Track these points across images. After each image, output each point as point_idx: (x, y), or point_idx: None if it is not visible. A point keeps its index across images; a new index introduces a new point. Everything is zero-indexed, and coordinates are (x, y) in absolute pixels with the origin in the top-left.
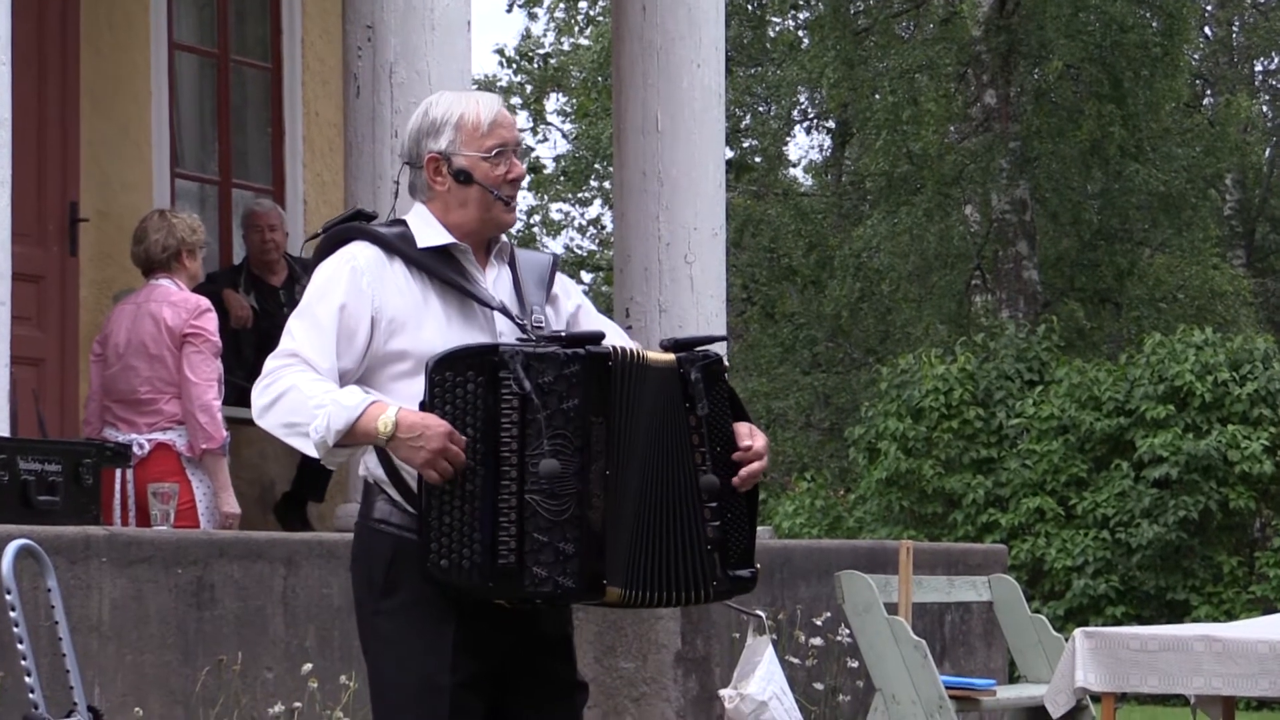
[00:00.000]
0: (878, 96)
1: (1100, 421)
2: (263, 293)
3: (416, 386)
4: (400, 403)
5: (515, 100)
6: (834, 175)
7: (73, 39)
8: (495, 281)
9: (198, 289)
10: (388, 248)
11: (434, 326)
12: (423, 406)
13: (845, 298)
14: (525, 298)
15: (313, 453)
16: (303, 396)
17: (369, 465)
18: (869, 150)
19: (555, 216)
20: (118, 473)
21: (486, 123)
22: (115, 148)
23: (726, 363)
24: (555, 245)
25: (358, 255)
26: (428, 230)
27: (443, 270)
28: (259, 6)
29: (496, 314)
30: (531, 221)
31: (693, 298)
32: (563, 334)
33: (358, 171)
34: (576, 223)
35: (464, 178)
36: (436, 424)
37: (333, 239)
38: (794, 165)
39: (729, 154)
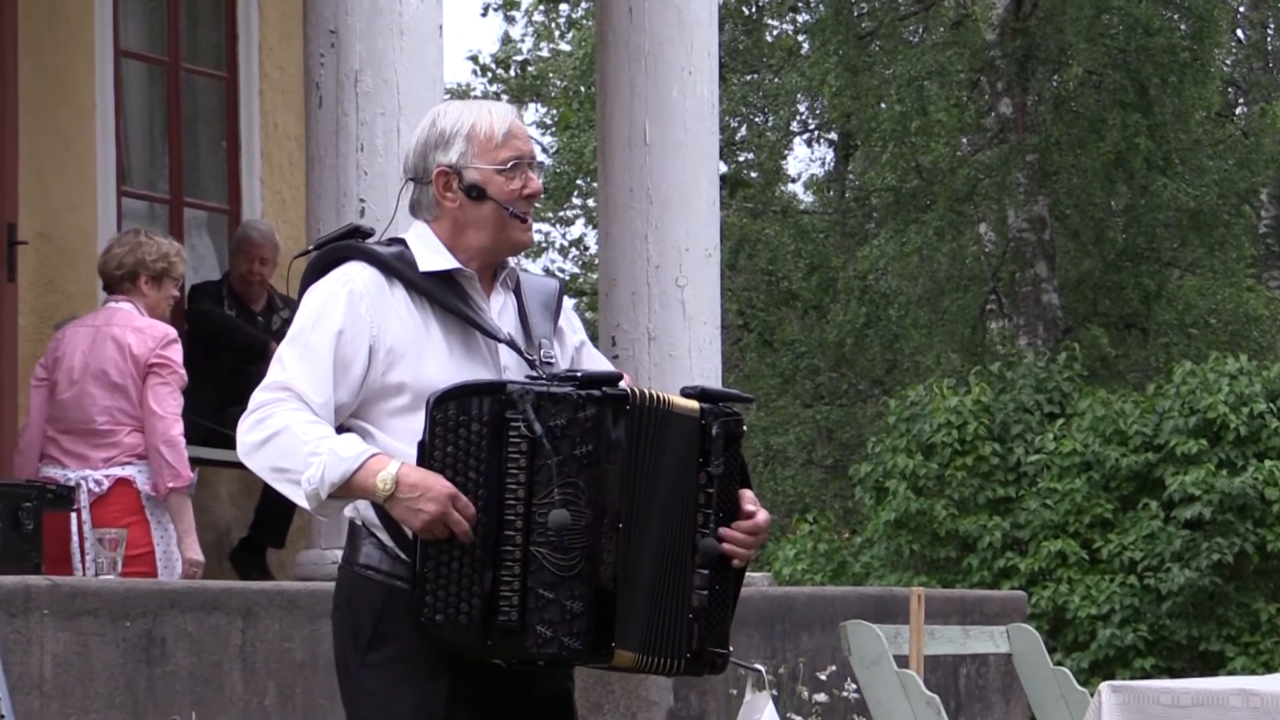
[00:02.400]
0: (884, 106)
1: (1126, 457)
2: (243, 314)
3: (415, 423)
4: (398, 442)
5: None
6: (837, 191)
7: (10, 46)
8: (501, 310)
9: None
10: (387, 270)
11: (435, 359)
12: (422, 446)
13: (850, 324)
14: (532, 329)
15: (303, 503)
16: (296, 440)
17: (358, 505)
18: (875, 164)
19: (534, 237)
20: (73, 515)
21: (500, 133)
22: (57, 164)
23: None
24: (534, 269)
25: (355, 277)
26: (430, 253)
27: (446, 297)
28: (212, 10)
29: (502, 347)
30: None
31: (684, 324)
32: (578, 373)
33: (320, 188)
34: (558, 244)
35: (477, 193)
36: (440, 486)
37: (326, 258)
38: (793, 180)
39: (723, 169)
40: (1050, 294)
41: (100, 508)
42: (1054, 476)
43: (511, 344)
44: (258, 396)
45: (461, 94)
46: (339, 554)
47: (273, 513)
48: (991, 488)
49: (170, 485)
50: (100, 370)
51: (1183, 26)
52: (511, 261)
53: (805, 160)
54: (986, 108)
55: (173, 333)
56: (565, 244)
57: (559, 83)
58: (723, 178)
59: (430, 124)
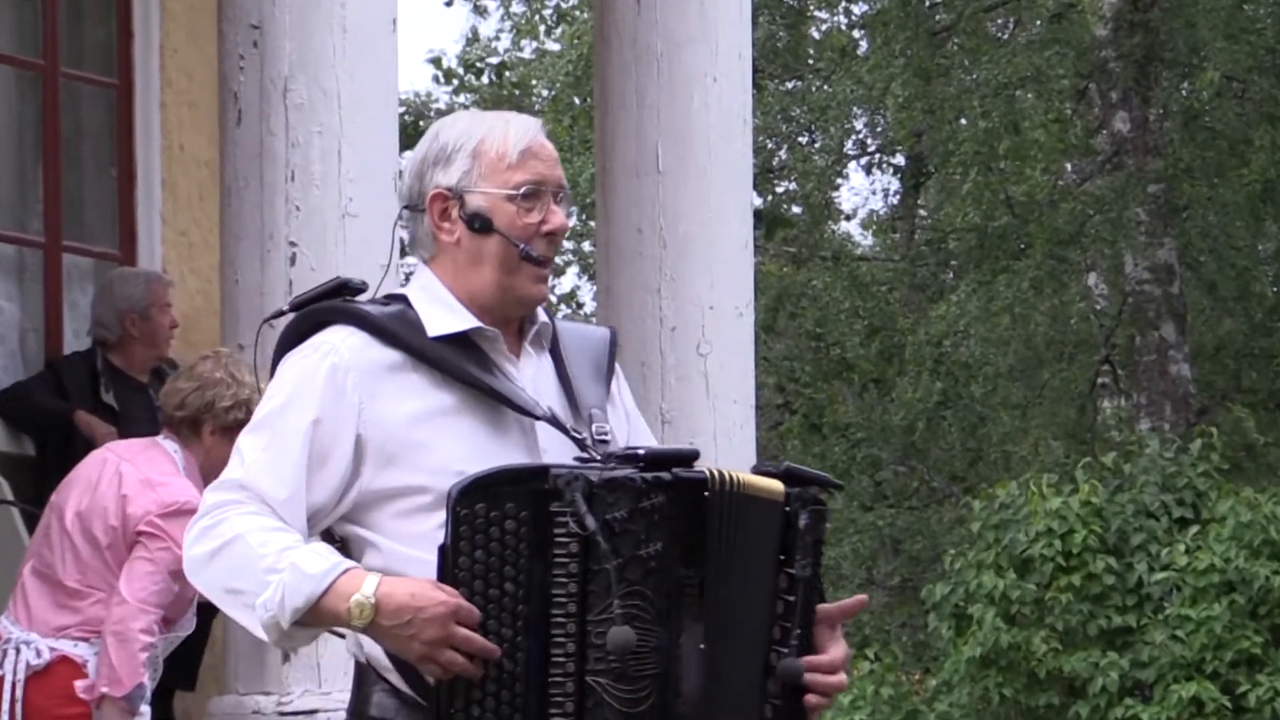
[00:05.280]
0: (964, 121)
1: None
2: (124, 389)
3: (430, 524)
4: (413, 549)
5: None
6: (904, 232)
7: None
8: (535, 377)
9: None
10: (384, 336)
11: (452, 445)
12: (444, 552)
13: (921, 403)
14: (578, 398)
15: (261, 633)
16: (251, 554)
17: (361, 641)
18: (953, 196)
19: (548, 290)
20: (6, 682)
21: (516, 150)
22: None
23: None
24: None
25: (340, 347)
26: (439, 310)
27: (463, 367)
28: (101, 2)
29: (540, 426)
30: None
31: (708, 403)
32: (641, 451)
33: (239, 228)
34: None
35: (481, 224)
36: (434, 601)
37: (304, 323)
38: (848, 218)
39: (758, 202)
40: (1180, 364)
41: (36, 686)
42: (1186, 600)
43: (553, 420)
44: (208, 498)
45: (421, 106)
46: (261, 700)
47: (181, 646)
48: (1106, 615)
49: (104, 690)
50: (89, 519)
51: None
52: (543, 314)
53: (863, 192)
54: (1096, 124)
55: (188, 500)
56: (554, 299)
57: (545, 92)
58: (757, 214)
59: (432, 137)
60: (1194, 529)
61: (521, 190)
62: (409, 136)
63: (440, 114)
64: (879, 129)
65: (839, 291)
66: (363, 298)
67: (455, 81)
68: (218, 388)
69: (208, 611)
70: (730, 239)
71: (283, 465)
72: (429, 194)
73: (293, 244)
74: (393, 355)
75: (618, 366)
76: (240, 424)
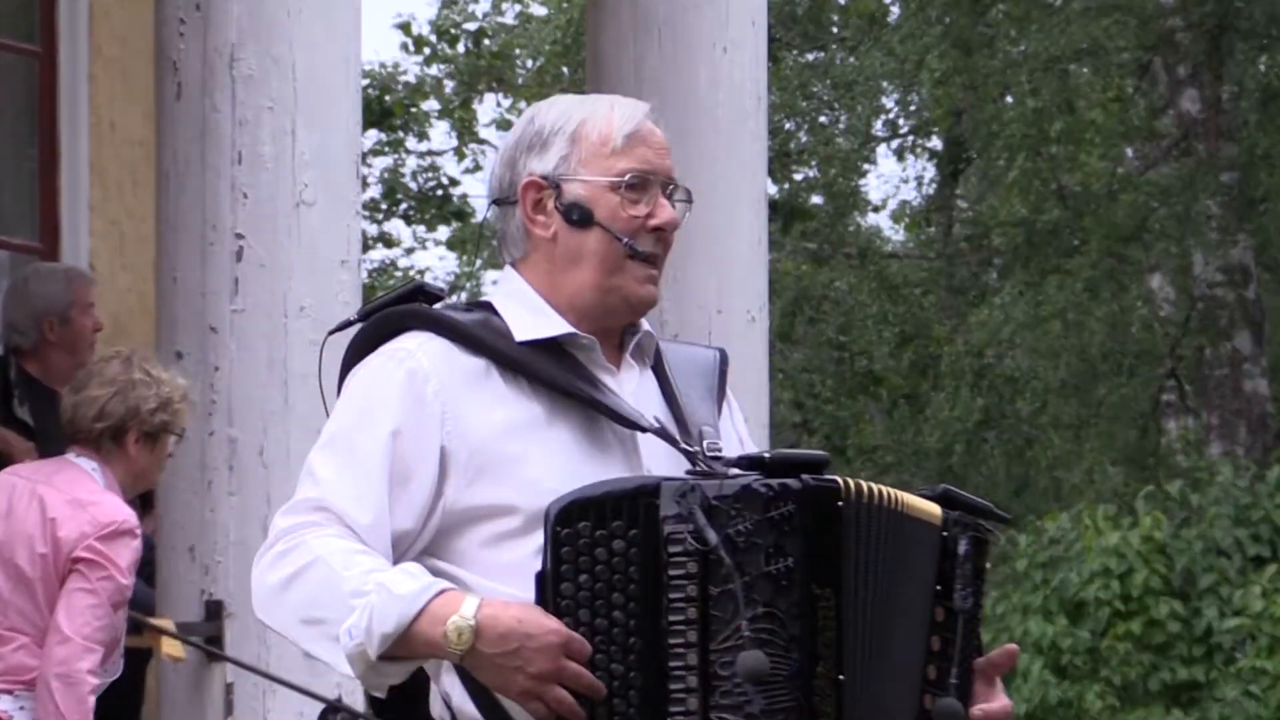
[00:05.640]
0: (1010, 100)
1: None
2: (41, 401)
3: (523, 552)
4: (501, 583)
5: (429, 105)
6: (940, 226)
7: None
8: (636, 391)
9: None
10: (466, 341)
11: (545, 459)
12: (542, 579)
13: (960, 422)
14: (686, 416)
15: (345, 667)
16: (334, 577)
17: (448, 694)
18: (996, 186)
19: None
20: None
21: (621, 134)
22: None
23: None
24: None
25: (417, 352)
26: (527, 314)
27: (557, 375)
28: None
29: (645, 441)
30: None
31: None
32: (766, 455)
33: (178, 218)
34: None
35: (580, 215)
36: (545, 629)
37: (375, 329)
38: (876, 209)
39: (773, 191)
40: (1256, 379)
41: None
42: (1262, 651)
43: (661, 432)
44: (278, 522)
45: (388, 77)
46: None
47: (122, 686)
48: (1170, 667)
49: None
50: (10, 550)
51: None
52: (645, 324)
53: (894, 180)
54: (1161, 103)
55: (126, 520)
56: None
57: (529, 62)
58: (772, 204)
59: (527, 121)
60: (1271, 569)
61: (626, 178)
62: (373, 113)
63: (409, 87)
64: (912, 108)
65: (866, 294)
66: (443, 305)
67: (426, 50)
68: (138, 389)
69: (140, 659)
70: (741, 233)
71: (362, 485)
72: (521, 183)
73: (239, 236)
74: (476, 362)
75: (729, 391)
76: (165, 426)
